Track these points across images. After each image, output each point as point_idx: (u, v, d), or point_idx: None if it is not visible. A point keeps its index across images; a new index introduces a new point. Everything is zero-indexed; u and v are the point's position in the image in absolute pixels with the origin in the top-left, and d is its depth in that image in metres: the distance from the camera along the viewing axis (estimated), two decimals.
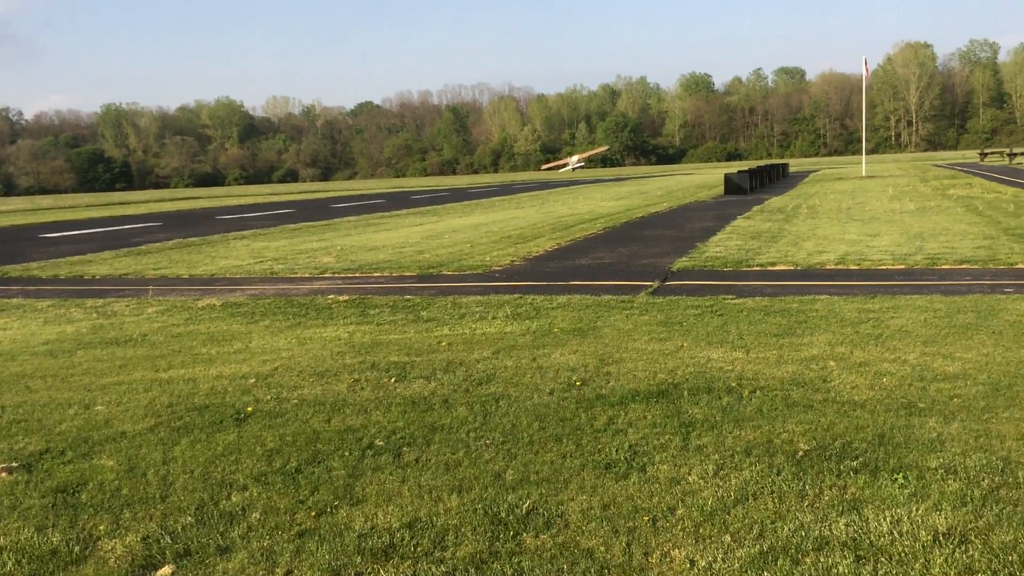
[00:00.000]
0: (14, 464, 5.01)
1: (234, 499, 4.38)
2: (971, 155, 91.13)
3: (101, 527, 4.10)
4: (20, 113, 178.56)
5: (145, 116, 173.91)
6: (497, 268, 13.53)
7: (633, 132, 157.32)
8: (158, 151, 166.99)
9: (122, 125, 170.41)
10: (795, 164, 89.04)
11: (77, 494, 4.54)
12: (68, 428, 5.69)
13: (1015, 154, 60.73)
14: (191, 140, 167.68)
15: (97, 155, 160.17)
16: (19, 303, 12.04)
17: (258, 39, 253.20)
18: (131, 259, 17.90)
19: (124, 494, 4.50)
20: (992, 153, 72.55)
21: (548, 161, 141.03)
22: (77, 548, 3.89)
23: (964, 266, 11.36)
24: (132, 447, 5.25)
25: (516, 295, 10.66)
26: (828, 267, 11.90)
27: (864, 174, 48.77)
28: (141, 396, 6.44)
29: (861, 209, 22.13)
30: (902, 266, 11.63)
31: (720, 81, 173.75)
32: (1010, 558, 3.41)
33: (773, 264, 12.37)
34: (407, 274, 13.37)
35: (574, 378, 6.42)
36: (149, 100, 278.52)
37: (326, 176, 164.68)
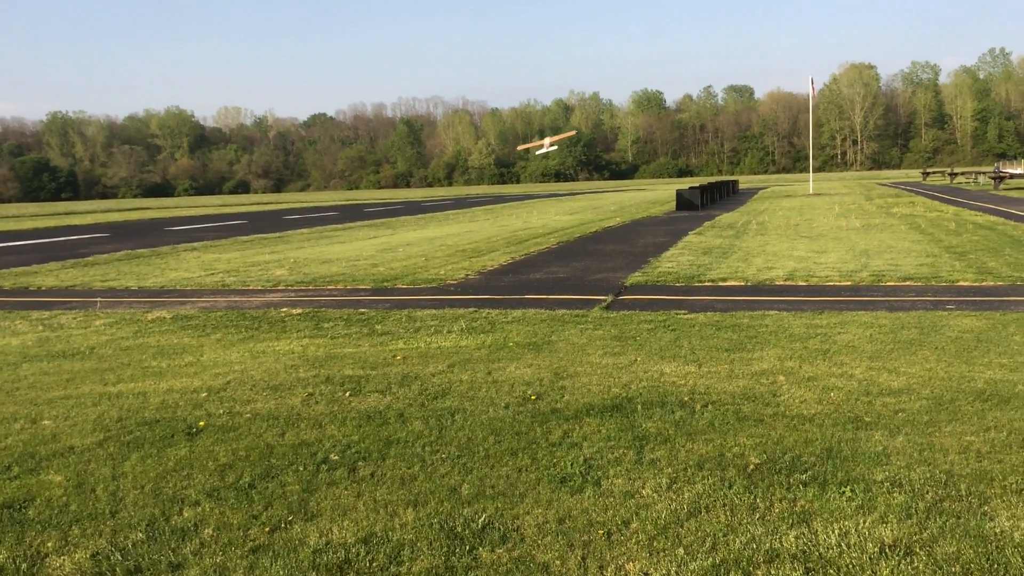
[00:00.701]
0: None
1: (186, 515, 4.32)
2: (914, 174, 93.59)
3: (49, 544, 4.02)
4: None
5: (92, 125, 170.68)
6: (452, 282, 13.54)
7: (586, 147, 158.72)
8: (106, 160, 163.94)
9: (68, 134, 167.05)
10: (745, 181, 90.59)
11: (24, 510, 4.44)
12: (14, 443, 5.56)
13: (956, 174, 62.54)
14: (140, 150, 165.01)
15: (42, 164, 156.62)
16: None
17: (210, 48, 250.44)
18: (78, 270, 17.53)
19: (73, 510, 4.42)
20: (934, 172, 74.58)
21: (518, 156, 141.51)
22: (24, 566, 3.81)
23: (908, 283, 11.67)
24: (81, 462, 5.15)
25: (471, 309, 10.68)
26: (777, 283, 12.13)
27: (811, 191, 49.83)
28: (89, 410, 6.32)
29: (809, 226, 22.60)
30: (848, 283, 11.91)
31: (671, 98, 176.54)
32: (953, 569, 3.52)
33: (724, 280, 12.57)
34: (361, 287, 13.31)
35: (529, 392, 6.46)
36: (97, 109, 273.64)
37: (278, 188, 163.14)
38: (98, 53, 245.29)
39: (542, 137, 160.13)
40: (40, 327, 10.43)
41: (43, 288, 14.75)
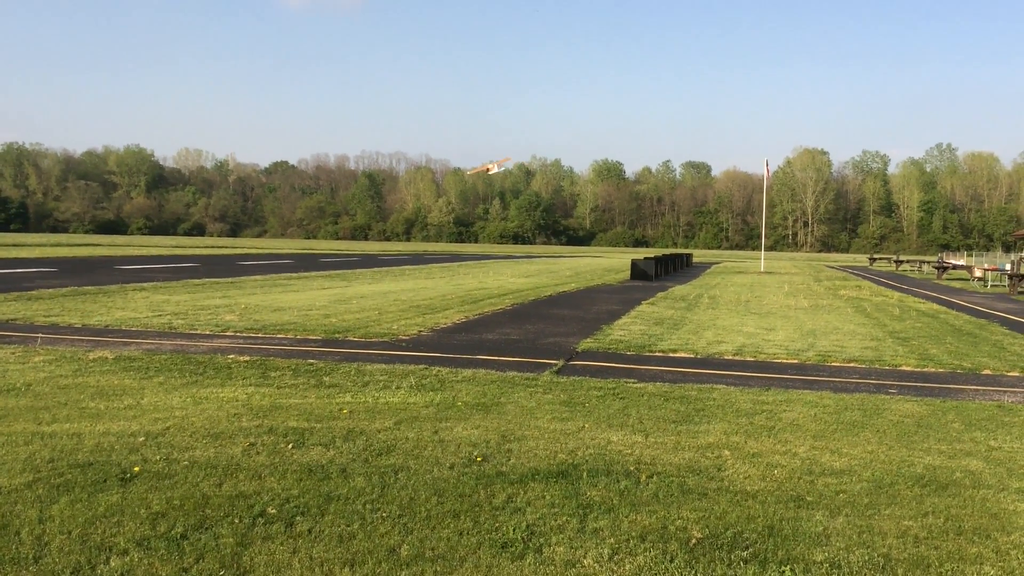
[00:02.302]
0: None
1: (113, 564, 4.17)
2: (861, 259, 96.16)
3: None
4: None
5: (49, 157, 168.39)
6: (404, 337, 13.46)
7: (545, 212, 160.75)
8: (59, 194, 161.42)
9: (23, 165, 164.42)
10: (699, 255, 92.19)
11: None
12: None
13: (901, 261, 64.47)
14: (95, 186, 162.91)
15: None
16: None
17: (175, 88, 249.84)
18: (21, 304, 17.09)
19: None
20: (881, 258, 76.79)
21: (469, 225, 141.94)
22: None
23: (852, 364, 11.89)
24: (6, 503, 4.96)
25: (422, 366, 10.62)
26: (726, 357, 12.28)
27: (762, 270, 50.85)
28: (20, 449, 6.10)
29: (759, 303, 23.00)
30: (795, 361, 12.10)
31: (631, 169, 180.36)
32: None
33: (674, 351, 12.69)
34: (312, 337, 13.16)
35: (475, 453, 6.40)
36: (54, 142, 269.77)
37: (235, 232, 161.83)
38: (60, 86, 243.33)
39: (503, 201, 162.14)
40: None
41: None
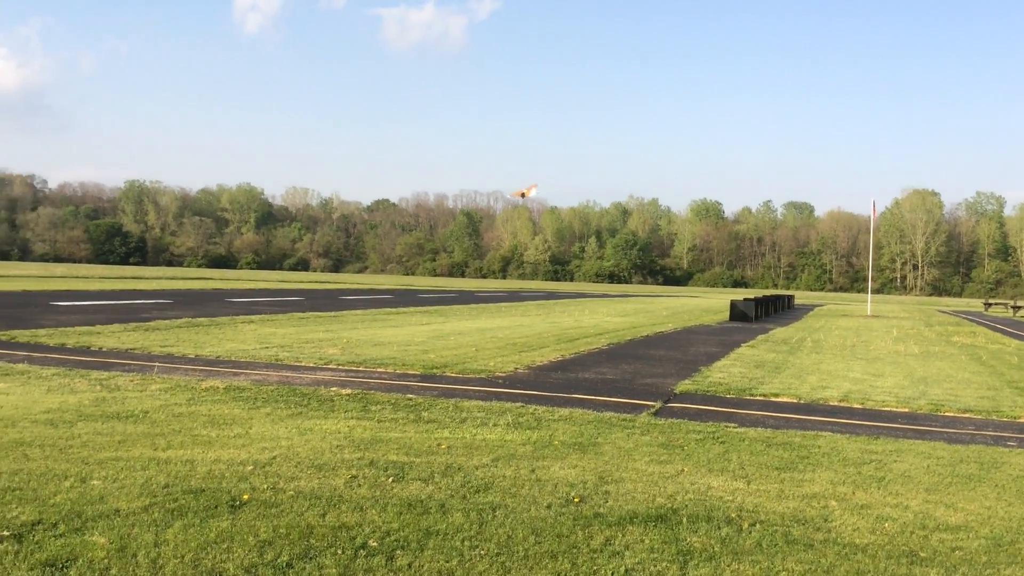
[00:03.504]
0: (4, 533, 4.96)
1: None
2: (975, 304, 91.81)
3: None
4: (44, 182, 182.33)
5: (167, 195, 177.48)
6: (501, 374, 13.54)
7: (642, 251, 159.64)
8: (175, 230, 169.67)
9: (143, 201, 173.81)
10: (800, 297, 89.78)
11: (66, 570, 4.48)
12: (62, 500, 5.64)
13: (1019, 307, 61.18)
14: (208, 222, 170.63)
15: (115, 228, 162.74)
16: (24, 369, 12.06)
17: (284, 129, 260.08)
18: (139, 334, 17.98)
19: (113, 574, 4.45)
20: (996, 304, 73.08)
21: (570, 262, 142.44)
22: None
23: (967, 415, 11.35)
24: (125, 525, 5.20)
25: (518, 403, 10.66)
26: (831, 403, 11.89)
27: (869, 313, 49.11)
28: (138, 474, 6.40)
29: (866, 348, 22.20)
30: (905, 409, 11.62)
31: (730, 209, 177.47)
32: None
33: (776, 395, 12.37)
34: (411, 372, 13.39)
35: (572, 494, 6.38)
36: (172, 180, 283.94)
37: (337, 268, 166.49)
38: (179, 127, 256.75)
39: (599, 240, 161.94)
40: (98, 387, 10.68)
41: (104, 349, 15.13)
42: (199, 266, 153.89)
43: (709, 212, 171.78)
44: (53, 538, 4.93)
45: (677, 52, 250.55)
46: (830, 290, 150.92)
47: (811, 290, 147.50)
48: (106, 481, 6.17)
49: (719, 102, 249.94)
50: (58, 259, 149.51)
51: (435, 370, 13.70)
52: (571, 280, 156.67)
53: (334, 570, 4.63)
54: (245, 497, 5.90)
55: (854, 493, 6.78)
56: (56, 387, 10.54)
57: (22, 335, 16.76)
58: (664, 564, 4.93)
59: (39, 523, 5.17)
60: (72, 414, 8.77)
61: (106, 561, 4.61)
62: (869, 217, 57.59)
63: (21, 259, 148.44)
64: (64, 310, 25.12)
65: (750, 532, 5.61)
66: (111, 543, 4.89)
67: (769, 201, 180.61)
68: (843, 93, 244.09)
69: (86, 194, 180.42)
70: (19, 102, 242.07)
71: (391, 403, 10.32)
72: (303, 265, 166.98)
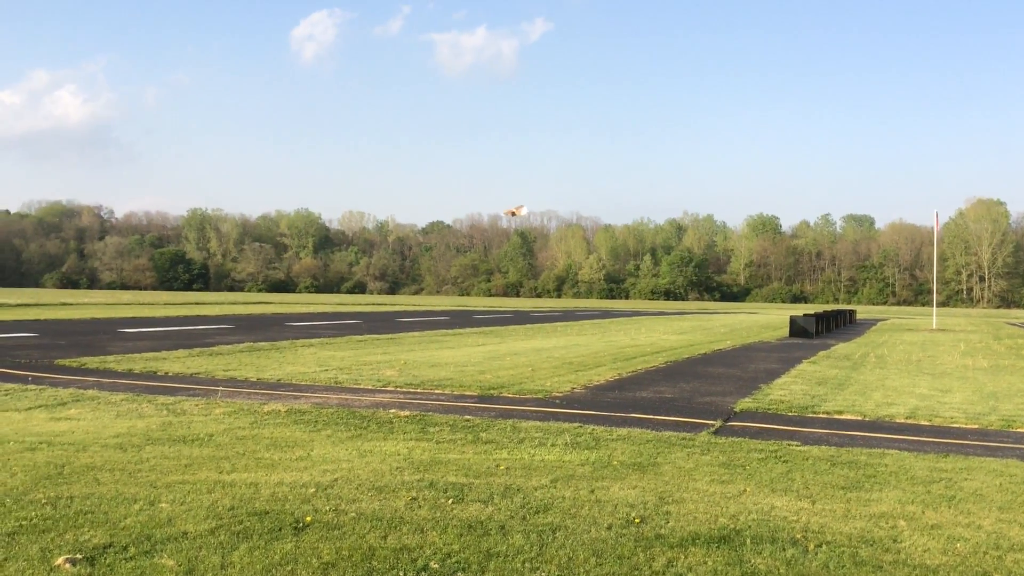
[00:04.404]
0: (78, 556, 5.11)
1: None
2: None
3: None
4: (111, 212, 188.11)
5: (228, 222, 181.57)
6: (557, 395, 13.51)
7: (698, 268, 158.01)
8: (236, 256, 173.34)
9: (205, 229, 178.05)
10: (862, 311, 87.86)
11: None
12: (132, 523, 5.79)
13: None
14: (268, 247, 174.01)
15: (179, 256, 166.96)
16: (94, 395, 12.43)
17: (340, 154, 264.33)
18: (203, 359, 18.39)
19: None
20: None
21: (613, 286, 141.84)
22: None
23: None
24: (192, 548, 5.31)
25: (576, 423, 10.62)
26: (897, 420, 11.60)
27: (934, 327, 47.81)
28: (204, 497, 6.54)
29: (932, 363, 21.62)
30: (975, 426, 11.28)
31: (787, 223, 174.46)
32: None
33: (840, 413, 12.11)
34: (468, 393, 13.44)
35: (633, 514, 6.32)
36: (233, 207, 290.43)
37: (393, 290, 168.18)
38: (239, 156, 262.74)
39: (654, 257, 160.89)
40: (164, 411, 10.94)
41: (169, 374, 15.51)
42: (259, 291, 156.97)
43: (766, 227, 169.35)
44: (124, 561, 5.06)
45: (729, 66, 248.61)
46: (893, 304, 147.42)
47: (873, 304, 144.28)
48: (174, 504, 6.31)
49: (774, 115, 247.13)
50: (124, 287, 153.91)
51: (492, 391, 13.73)
52: (626, 298, 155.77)
53: None
54: (308, 519, 5.98)
55: (924, 513, 6.60)
56: (125, 412, 10.83)
57: (91, 361, 17.28)
58: None
59: (110, 546, 5.31)
60: (140, 438, 9.00)
61: None
62: (932, 228, 56.23)
63: (89, 287, 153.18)
64: (131, 336, 25.83)
65: (816, 553, 5.49)
66: (179, 565, 4.99)
67: (828, 214, 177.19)
68: (903, 102, 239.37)
69: (151, 223, 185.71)
70: (87, 136, 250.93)
71: (449, 424, 10.37)
72: (360, 288, 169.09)
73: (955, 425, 11.30)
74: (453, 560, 5.21)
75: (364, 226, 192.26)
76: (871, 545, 5.72)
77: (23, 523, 5.73)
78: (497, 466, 7.98)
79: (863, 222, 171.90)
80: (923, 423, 11.43)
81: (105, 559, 5.07)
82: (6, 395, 12.32)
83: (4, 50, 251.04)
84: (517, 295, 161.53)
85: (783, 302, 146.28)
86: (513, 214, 45.23)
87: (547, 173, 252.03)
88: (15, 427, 9.66)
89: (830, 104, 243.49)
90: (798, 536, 5.86)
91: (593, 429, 10.22)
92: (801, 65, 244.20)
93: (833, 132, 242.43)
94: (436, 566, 5.09)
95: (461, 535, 5.72)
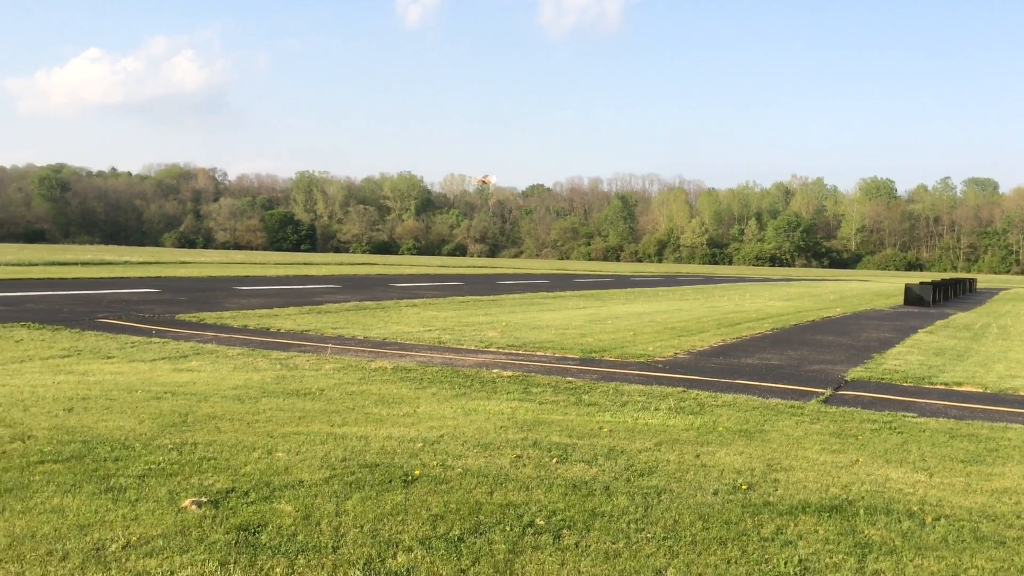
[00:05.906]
0: (203, 499, 5.38)
1: (400, 559, 4.51)
2: None
3: (278, 570, 4.32)
4: (225, 174, 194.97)
5: (334, 184, 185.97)
6: (660, 359, 13.39)
7: (805, 233, 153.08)
8: (342, 218, 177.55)
9: (312, 191, 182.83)
10: (983, 280, 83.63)
11: (257, 535, 4.81)
12: (252, 471, 6.05)
13: None
14: (372, 210, 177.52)
15: (288, 217, 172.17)
16: (213, 348, 13.01)
17: (443, 118, 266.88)
18: (312, 316, 18.99)
19: (299, 540, 4.73)
20: None
21: (717, 251, 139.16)
22: None
23: None
24: (308, 496, 5.52)
25: (679, 388, 10.52)
26: (1022, 393, 11.03)
27: None
28: (318, 448, 6.78)
29: None
30: None
31: (903, 187, 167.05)
32: None
33: (959, 384, 11.60)
34: (569, 356, 13.46)
35: (740, 481, 6.23)
36: (339, 170, 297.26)
37: (493, 253, 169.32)
38: (345, 119, 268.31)
39: (759, 222, 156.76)
40: (278, 366, 11.37)
41: (282, 331, 16.09)
42: (363, 252, 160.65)
43: (880, 191, 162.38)
44: (245, 505, 5.30)
45: (839, 26, 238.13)
46: (1017, 273, 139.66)
47: (995, 272, 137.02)
48: (290, 454, 6.56)
49: (888, 73, 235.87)
50: (237, 246, 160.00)
51: (594, 354, 13.71)
52: (730, 264, 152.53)
53: (503, 546, 4.74)
54: (416, 473, 6.12)
55: None
56: (241, 365, 11.31)
57: (209, 317, 18.07)
58: (840, 556, 4.75)
59: (232, 491, 5.57)
60: (256, 390, 9.38)
61: (293, 528, 4.91)
62: None
63: (205, 246, 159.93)
64: (245, 294, 26.88)
65: (934, 527, 5.30)
66: (297, 511, 5.20)
67: (948, 178, 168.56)
68: None
69: (261, 185, 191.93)
70: (202, 101, 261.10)
71: (551, 386, 10.42)
72: (461, 250, 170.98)
73: None
74: (558, 518, 5.26)
75: (465, 189, 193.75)
76: (993, 520, 5.48)
77: (152, 467, 6.07)
78: (600, 428, 7.98)
79: (986, 186, 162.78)
80: None
81: (228, 503, 5.33)
82: (133, 347, 13.03)
83: (127, 16, 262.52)
84: (617, 259, 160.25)
85: (897, 269, 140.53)
86: (484, 182, 44.70)
87: (649, 136, 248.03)
88: (142, 377, 10.21)
89: (949, 58, 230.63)
90: (915, 508, 5.66)
91: (697, 394, 10.10)
92: (917, 18, 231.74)
93: (954, 90, 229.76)
94: (541, 523, 5.15)
95: (566, 494, 5.76)
